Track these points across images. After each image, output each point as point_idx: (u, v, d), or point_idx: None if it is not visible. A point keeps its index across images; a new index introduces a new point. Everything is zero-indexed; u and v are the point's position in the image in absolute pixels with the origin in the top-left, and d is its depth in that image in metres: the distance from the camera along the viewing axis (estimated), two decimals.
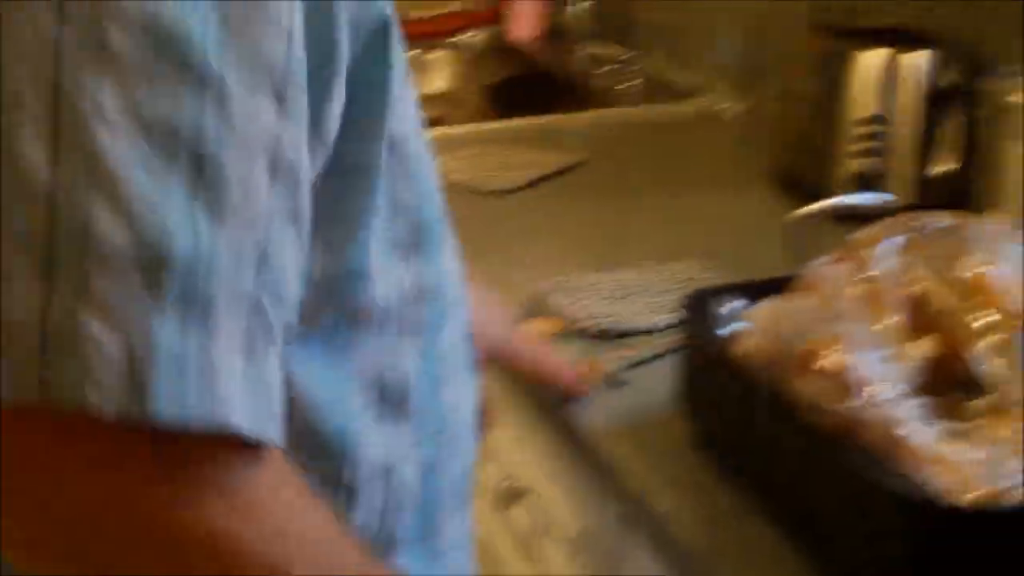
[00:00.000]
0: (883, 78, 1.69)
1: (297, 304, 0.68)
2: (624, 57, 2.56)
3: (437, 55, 2.87)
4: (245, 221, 0.62)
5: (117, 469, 0.61)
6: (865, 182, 1.70)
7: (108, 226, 0.59)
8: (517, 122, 2.33)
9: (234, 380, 0.61)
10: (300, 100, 0.66)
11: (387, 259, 0.79)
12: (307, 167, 0.67)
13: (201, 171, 0.61)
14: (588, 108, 2.44)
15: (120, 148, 0.59)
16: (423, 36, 2.95)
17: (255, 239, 0.63)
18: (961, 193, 1.64)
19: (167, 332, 0.59)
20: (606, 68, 2.59)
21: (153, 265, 0.59)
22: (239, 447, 0.62)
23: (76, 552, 0.63)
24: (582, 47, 2.66)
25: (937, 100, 1.67)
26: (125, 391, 0.58)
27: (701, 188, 1.92)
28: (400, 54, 0.78)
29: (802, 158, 1.81)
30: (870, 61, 1.70)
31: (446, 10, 3.02)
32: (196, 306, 0.60)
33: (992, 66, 1.67)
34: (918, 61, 1.68)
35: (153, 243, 0.59)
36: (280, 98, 0.64)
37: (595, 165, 2.03)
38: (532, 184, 1.94)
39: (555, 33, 2.83)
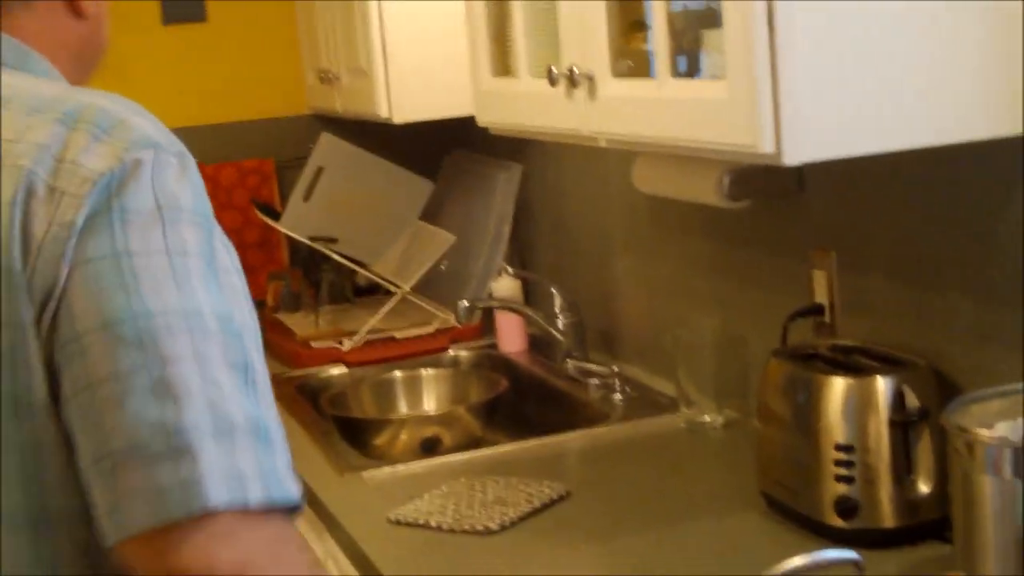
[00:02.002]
0: (850, 404, 1.71)
1: None
2: (609, 370, 2.59)
3: (429, 373, 2.92)
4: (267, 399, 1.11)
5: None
6: (848, 507, 1.71)
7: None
8: (509, 447, 2.37)
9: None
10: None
11: None
12: None
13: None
14: (576, 423, 2.48)
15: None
16: (413, 354, 3.02)
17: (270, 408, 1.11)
18: (941, 519, 1.65)
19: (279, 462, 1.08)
20: (595, 381, 2.62)
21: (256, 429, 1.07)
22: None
23: None
24: (569, 359, 2.70)
25: (905, 425, 1.69)
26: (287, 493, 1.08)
27: (689, 513, 1.93)
28: None
29: (787, 478, 1.82)
30: (835, 387, 1.73)
31: (432, 329, 3.09)
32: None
33: (957, 388, 1.70)
34: (883, 385, 1.70)
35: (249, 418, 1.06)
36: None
37: (583, 495, 2.04)
38: (522, 520, 1.95)
39: (543, 346, 2.88)
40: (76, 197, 1.06)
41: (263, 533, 1.05)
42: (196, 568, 1.02)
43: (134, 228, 1.07)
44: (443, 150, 3.49)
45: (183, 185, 1.11)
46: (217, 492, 1.02)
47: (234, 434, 1.04)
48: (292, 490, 1.07)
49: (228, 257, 1.13)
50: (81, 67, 1.34)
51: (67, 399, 1.05)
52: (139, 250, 1.06)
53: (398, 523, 2.00)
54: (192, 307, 1.06)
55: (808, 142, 1.41)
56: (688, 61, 1.67)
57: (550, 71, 1.83)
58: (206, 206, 1.13)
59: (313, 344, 3.07)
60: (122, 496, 1.02)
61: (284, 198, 3.56)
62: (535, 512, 1.99)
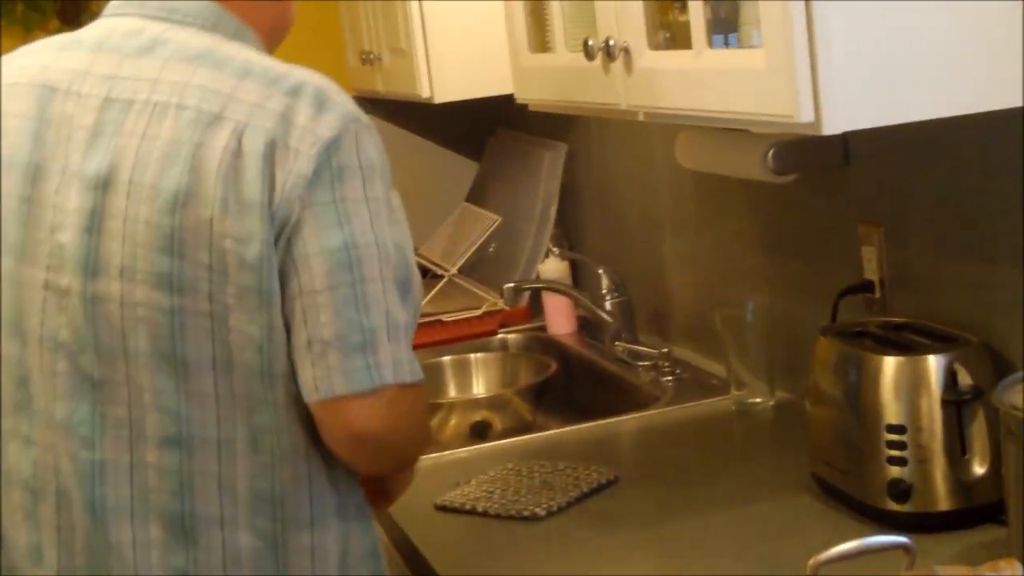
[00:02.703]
0: (901, 383, 1.66)
1: None
2: (659, 352, 2.55)
3: (478, 357, 2.89)
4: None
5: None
6: (901, 490, 1.66)
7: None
8: (557, 431, 2.34)
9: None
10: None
11: None
12: None
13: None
14: (626, 406, 2.44)
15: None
16: (463, 337, 2.98)
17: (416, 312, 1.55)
18: (998, 501, 1.59)
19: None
20: (644, 363, 2.58)
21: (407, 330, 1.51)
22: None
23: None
24: (618, 341, 2.66)
25: (959, 404, 1.63)
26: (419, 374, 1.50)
27: (740, 497, 1.88)
28: None
29: (839, 460, 1.77)
30: (886, 366, 1.67)
31: (480, 312, 3.06)
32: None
33: (1011, 366, 1.64)
34: (934, 364, 1.64)
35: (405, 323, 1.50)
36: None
37: (632, 480, 2.01)
38: (569, 505, 1.92)
39: (592, 328, 2.84)
40: (308, 155, 1.45)
41: (411, 399, 1.51)
42: (374, 425, 1.48)
43: (346, 181, 1.46)
44: (487, 130, 3.45)
45: (373, 149, 1.50)
46: (389, 374, 1.47)
47: (398, 334, 1.48)
48: (420, 371, 1.51)
49: (396, 198, 1.53)
50: (273, 41, 1.66)
51: (292, 298, 1.46)
52: (349, 198, 1.46)
53: (444, 509, 1.98)
54: (380, 240, 1.47)
55: (847, 111, 1.36)
56: (725, 31, 1.62)
57: (586, 44, 1.78)
58: (385, 162, 1.52)
59: None
60: (328, 370, 1.46)
61: None
62: (583, 497, 1.95)
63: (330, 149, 1.45)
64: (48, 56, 1.60)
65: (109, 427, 1.50)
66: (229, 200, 1.45)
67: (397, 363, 1.47)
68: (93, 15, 3.33)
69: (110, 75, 1.53)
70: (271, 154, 1.45)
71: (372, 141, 1.50)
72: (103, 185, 1.48)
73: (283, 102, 1.46)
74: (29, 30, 3.35)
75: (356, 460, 1.54)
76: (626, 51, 1.72)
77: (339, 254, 1.45)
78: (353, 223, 1.46)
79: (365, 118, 1.51)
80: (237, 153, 1.45)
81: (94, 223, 1.49)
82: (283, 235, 1.45)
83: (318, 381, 1.46)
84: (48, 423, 1.53)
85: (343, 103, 1.49)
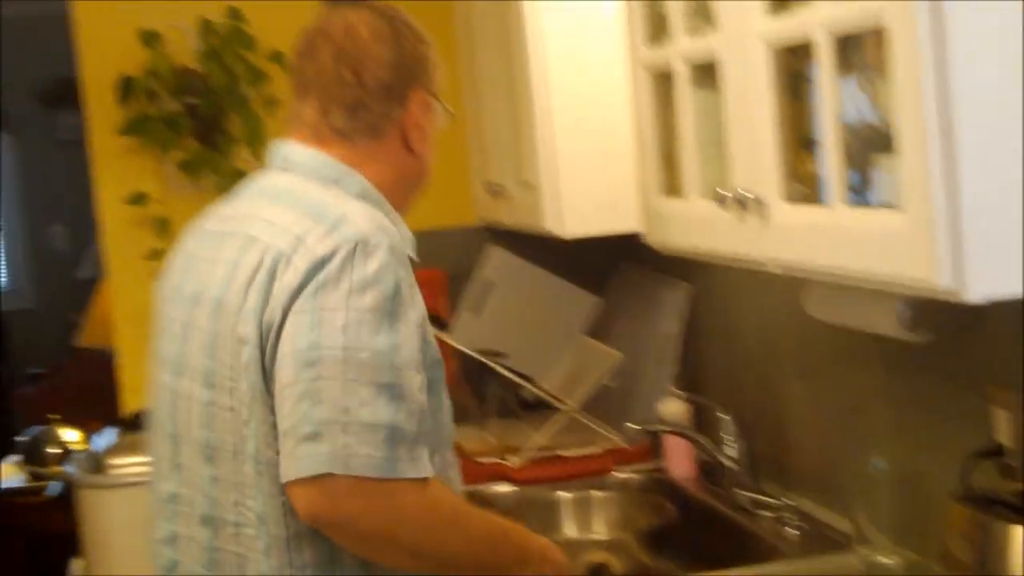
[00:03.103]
0: None
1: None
2: (781, 502, 2.48)
3: (596, 495, 2.85)
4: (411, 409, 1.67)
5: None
6: None
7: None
8: None
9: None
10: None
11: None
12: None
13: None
14: (747, 556, 2.38)
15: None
16: (579, 474, 2.94)
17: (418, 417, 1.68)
18: None
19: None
20: (767, 513, 2.51)
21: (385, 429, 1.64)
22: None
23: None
24: (739, 488, 2.59)
25: None
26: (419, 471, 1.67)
27: None
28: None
29: None
30: (1021, 538, 1.60)
31: (599, 449, 3.01)
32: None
33: None
34: None
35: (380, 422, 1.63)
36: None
37: None
38: None
39: (712, 473, 2.78)
40: (299, 270, 1.68)
41: (378, 493, 1.63)
42: (320, 511, 1.64)
43: (327, 293, 1.66)
44: (611, 265, 3.43)
45: (372, 266, 1.68)
46: (335, 464, 1.60)
47: (360, 431, 1.61)
48: (407, 468, 1.64)
49: (411, 310, 1.69)
50: (402, 188, 1.93)
51: (276, 393, 1.68)
52: (326, 307, 1.66)
53: None
54: (351, 344, 1.63)
55: (991, 278, 1.32)
56: (860, 184, 1.59)
57: (719, 193, 1.76)
58: (388, 279, 1.68)
59: (480, 459, 3.01)
60: (285, 458, 1.65)
61: (453, 308, 3.54)
62: None
63: (319, 265, 1.68)
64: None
65: (182, 504, 1.84)
66: (242, 308, 1.72)
67: (352, 456, 1.61)
68: (227, 135, 3.43)
69: (229, 215, 1.90)
70: (275, 269, 1.71)
71: (375, 260, 1.68)
72: (193, 301, 1.84)
73: (306, 226, 1.73)
74: (166, 149, 3.42)
75: (344, 544, 1.71)
76: (759, 202, 1.69)
77: (304, 354, 1.65)
78: (323, 328, 1.65)
79: (377, 237, 1.70)
80: (257, 268, 1.73)
81: (184, 332, 1.84)
82: (269, 339, 1.69)
83: (282, 467, 1.67)
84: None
85: (356, 224, 1.71)
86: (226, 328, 1.75)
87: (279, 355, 1.67)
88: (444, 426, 1.87)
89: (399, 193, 1.91)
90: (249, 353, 1.71)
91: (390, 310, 1.67)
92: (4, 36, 7.79)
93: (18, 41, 7.83)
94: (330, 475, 1.61)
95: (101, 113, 3.48)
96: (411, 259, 1.80)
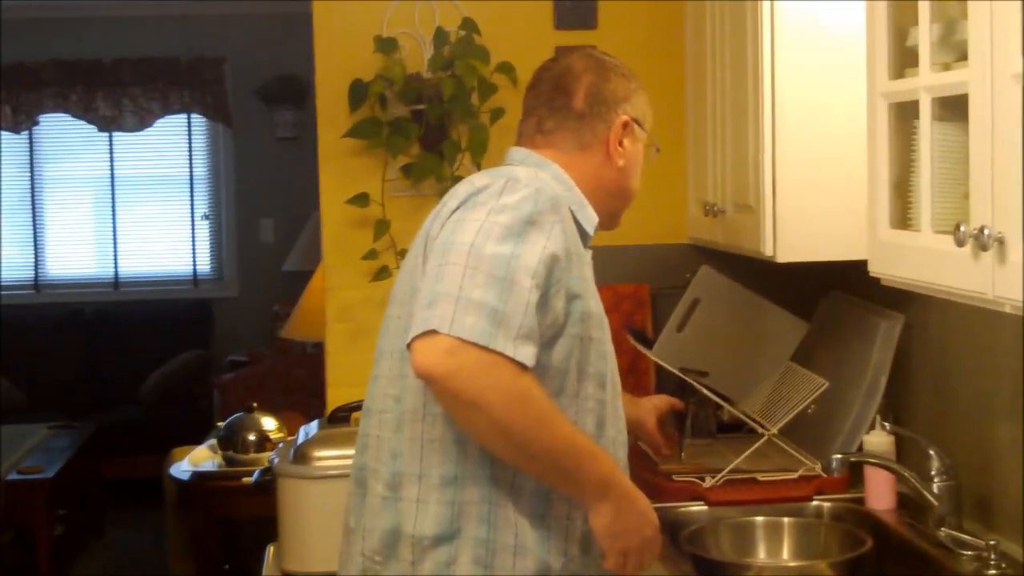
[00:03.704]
0: None
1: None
2: (984, 542, 2.45)
3: (791, 521, 2.85)
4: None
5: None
6: None
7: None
8: None
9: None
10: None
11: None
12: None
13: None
14: None
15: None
16: (775, 499, 2.94)
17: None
18: None
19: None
20: (968, 553, 2.48)
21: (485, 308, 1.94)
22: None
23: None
24: (941, 526, 2.57)
25: None
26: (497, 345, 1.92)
27: None
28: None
29: None
30: None
31: (796, 475, 3.01)
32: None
33: None
34: None
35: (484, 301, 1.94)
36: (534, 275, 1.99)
37: None
38: None
39: (913, 507, 2.76)
40: (459, 196, 2.10)
41: (474, 356, 1.90)
42: (429, 364, 1.92)
43: (472, 209, 2.04)
44: (820, 290, 3.43)
45: (512, 197, 2.04)
46: (441, 324, 1.91)
47: (468, 304, 1.91)
48: (506, 346, 1.91)
49: (541, 237, 2.01)
50: (601, 196, 2.29)
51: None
52: (467, 218, 2.03)
53: None
54: (475, 242, 1.97)
55: None
56: None
57: (958, 229, 1.77)
58: (529, 206, 2.03)
59: (675, 478, 3.04)
60: (412, 321, 1.97)
61: (656, 325, 3.57)
62: None
63: (475, 192, 2.07)
64: None
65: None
66: (421, 235, 2.15)
67: (456, 321, 1.90)
68: (451, 142, 3.52)
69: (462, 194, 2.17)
70: (446, 200, 2.13)
71: (519, 192, 2.04)
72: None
73: (484, 180, 2.12)
74: (394, 155, 3.52)
75: (444, 404, 1.98)
76: (1001, 242, 1.69)
77: (441, 246, 2.01)
78: (462, 230, 2.00)
79: (527, 182, 2.08)
80: (441, 206, 2.14)
81: (401, 270, 2.24)
82: (427, 245, 2.08)
83: (408, 329, 1.99)
84: None
85: (517, 174, 2.11)
86: (413, 254, 2.15)
87: (428, 251, 2.06)
88: (592, 361, 2.15)
89: (597, 199, 2.26)
90: (413, 261, 2.13)
91: (520, 231, 1.99)
92: (229, 34, 8.08)
93: (242, 39, 8.10)
94: (435, 332, 1.90)
95: (330, 114, 3.59)
96: (587, 234, 2.24)
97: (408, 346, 1.96)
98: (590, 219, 2.25)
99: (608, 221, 2.34)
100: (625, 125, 2.29)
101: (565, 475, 2.04)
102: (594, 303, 2.16)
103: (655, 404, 2.90)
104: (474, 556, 2.06)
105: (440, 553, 2.06)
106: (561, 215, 2.08)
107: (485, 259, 1.95)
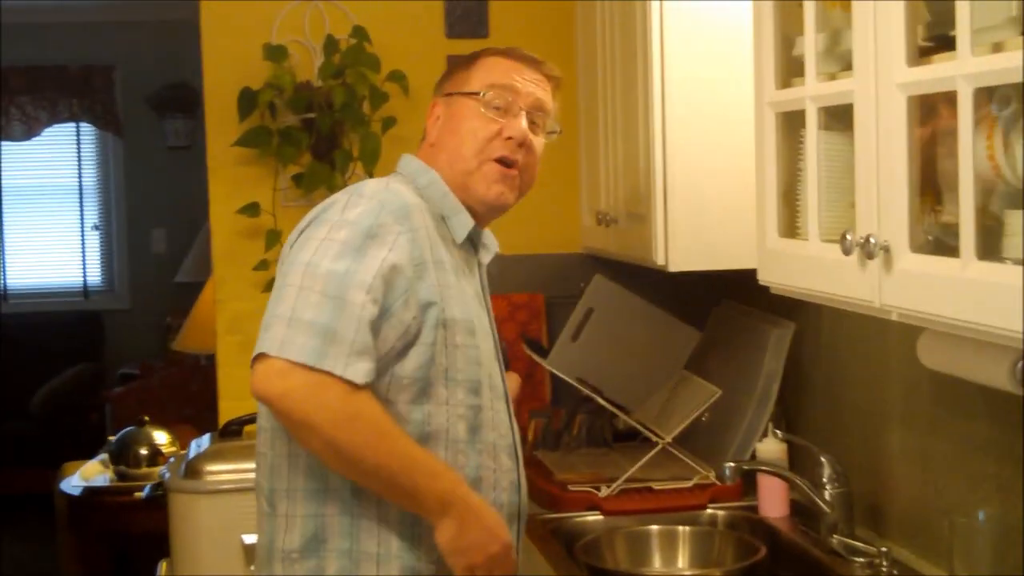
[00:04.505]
0: None
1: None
2: (876, 548, 2.47)
3: (686, 529, 2.85)
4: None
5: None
6: None
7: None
8: None
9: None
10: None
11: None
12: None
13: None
14: None
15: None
16: (670, 508, 2.94)
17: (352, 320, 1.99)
18: None
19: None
20: (860, 559, 2.50)
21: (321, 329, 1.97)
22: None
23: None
24: (833, 532, 2.59)
25: None
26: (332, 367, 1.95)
27: None
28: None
29: None
30: None
31: (691, 484, 3.01)
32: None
33: None
34: None
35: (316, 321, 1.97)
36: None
37: None
38: None
39: (806, 515, 2.77)
40: (307, 217, 2.14)
41: (302, 378, 1.93)
42: (261, 386, 1.96)
43: (318, 224, 2.08)
44: (712, 299, 3.44)
45: (356, 210, 2.06)
46: (271, 346, 1.94)
47: (299, 325, 1.95)
48: (335, 365, 1.93)
49: (382, 250, 2.02)
50: (457, 177, 2.24)
51: None
52: (311, 236, 2.06)
53: None
54: (311, 261, 2.00)
55: None
56: (987, 239, 1.59)
57: (844, 238, 1.77)
58: (368, 220, 2.05)
59: (570, 487, 3.03)
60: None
61: (551, 334, 3.56)
62: None
63: (322, 211, 2.11)
64: None
65: None
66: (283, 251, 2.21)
67: (286, 343, 1.94)
68: (344, 152, 3.48)
69: None
70: (306, 220, 2.14)
71: (359, 207, 2.07)
72: None
73: (335, 196, 2.15)
74: (284, 164, 3.48)
75: (281, 425, 2.04)
76: (886, 250, 1.70)
77: (284, 267, 2.08)
78: (300, 250, 2.04)
79: (370, 196, 2.09)
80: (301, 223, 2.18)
81: None
82: (280, 261, 2.15)
83: None
84: None
85: (359, 188, 2.14)
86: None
87: (278, 271, 2.13)
88: (460, 368, 2.14)
89: (457, 185, 2.24)
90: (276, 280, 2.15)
91: (358, 245, 2.01)
92: (118, 42, 7.96)
93: (132, 47, 7.98)
94: (267, 355, 1.94)
95: (219, 123, 3.54)
96: (486, 244, 2.33)
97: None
98: (463, 225, 2.24)
99: (479, 201, 2.26)
100: (434, 105, 2.32)
101: (403, 492, 2.04)
102: (460, 309, 2.14)
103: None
104: (339, 567, 2.08)
105: (307, 566, 2.08)
106: (411, 224, 2.08)
107: (320, 278, 1.98)
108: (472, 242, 2.30)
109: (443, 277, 2.12)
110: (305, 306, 1.96)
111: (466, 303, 2.17)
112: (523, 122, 2.25)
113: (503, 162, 2.25)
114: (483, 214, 2.30)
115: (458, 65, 2.35)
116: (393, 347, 2.04)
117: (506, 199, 2.29)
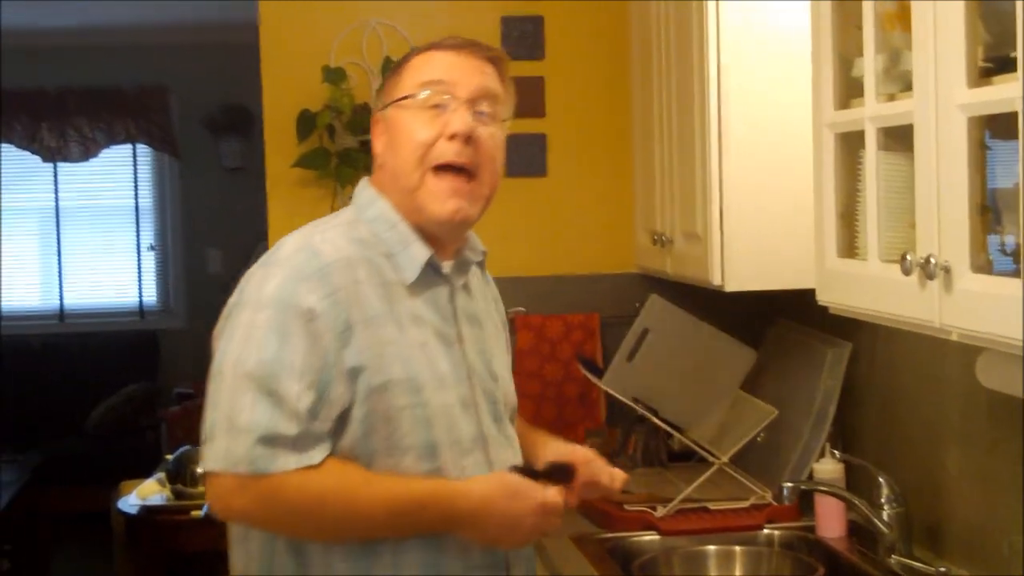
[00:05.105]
0: None
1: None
2: (934, 569, 2.46)
3: (742, 549, 2.85)
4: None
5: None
6: None
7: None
8: None
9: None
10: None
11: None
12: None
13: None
14: None
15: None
16: (726, 528, 2.94)
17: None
18: None
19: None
20: None
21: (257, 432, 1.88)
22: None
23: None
24: (892, 553, 2.58)
25: None
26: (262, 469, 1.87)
27: None
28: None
29: None
30: None
31: (747, 504, 3.01)
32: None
33: None
34: None
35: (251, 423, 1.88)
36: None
37: None
38: None
39: (863, 535, 2.77)
40: (236, 293, 2.00)
41: (254, 491, 1.86)
42: (215, 507, 1.92)
43: (242, 307, 1.94)
44: (768, 319, 3.44)
45: (270, 282, 1.93)
46: (216, 463, 1.88)
47: (239, 434, 1.86)
48: (287, 462, 1.86)
49: (309, 324, 1.88)
50: (405, 197, 2.04)
51: None
52: (236, 322, 1.93)
53: None
54: (240, 357, 1.89)
55: None
56: None
57: (904, 259, 1.78)
58: (284, 296, 1.91)
59: (626, 507, 3.04)
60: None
61: (606, 354, 3.57)
62: None
63: (241, 288, 1.97)
64: None
65: None
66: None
67: (229, 453, 1.86)
68: None
69: None
70: (233, 297, 1.99)
71: (273, 279, 1.93)
72: None
73: (252, 269, 2.01)
74: (343, 185, 3.51)
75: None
76: (947, 270, 1.71)
77: (214, 366, 1.94)
78: (229, 340, 1.92)
79: (283, 264, 1.95)
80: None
81: None
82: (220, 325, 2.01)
83: None
84: None
85: (275, 255, 1.99)
86: None
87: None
88: (405, 433, 1.96)
89: (405, 204, 2.04)
90: None
91: (280, 326, 1.89)
92: (174, 64, 8.04)
93: (187, 68, 8.06)
94: (217, 473, 1.88)
95: (278, 144, 3.58)
96: (440, 275, 2.07)
97: None
98: (413, 260, 2.02)
99: (436, 223, 2.03)
100: (375, 123, 2.11)
101: (406, 528, 1.96)
102: (400, 367, 1.96)
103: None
104: None
105: None
106: (331, 287, 1.92)
107: (251, 376, 1.87)
108: (435, 269, 2.06)
109: (376, 334, 1.95)
110: (240, 408, 1.87)
111: (410, 357, 1.97)
112: (466, 115, 2.00)
113: (451, 168, 2.01)
114: (446, 235, 2.07)
115: (390, 73, 2.12)
116: (333, 425, 1.93)
117: (466, 214, 2.03)
